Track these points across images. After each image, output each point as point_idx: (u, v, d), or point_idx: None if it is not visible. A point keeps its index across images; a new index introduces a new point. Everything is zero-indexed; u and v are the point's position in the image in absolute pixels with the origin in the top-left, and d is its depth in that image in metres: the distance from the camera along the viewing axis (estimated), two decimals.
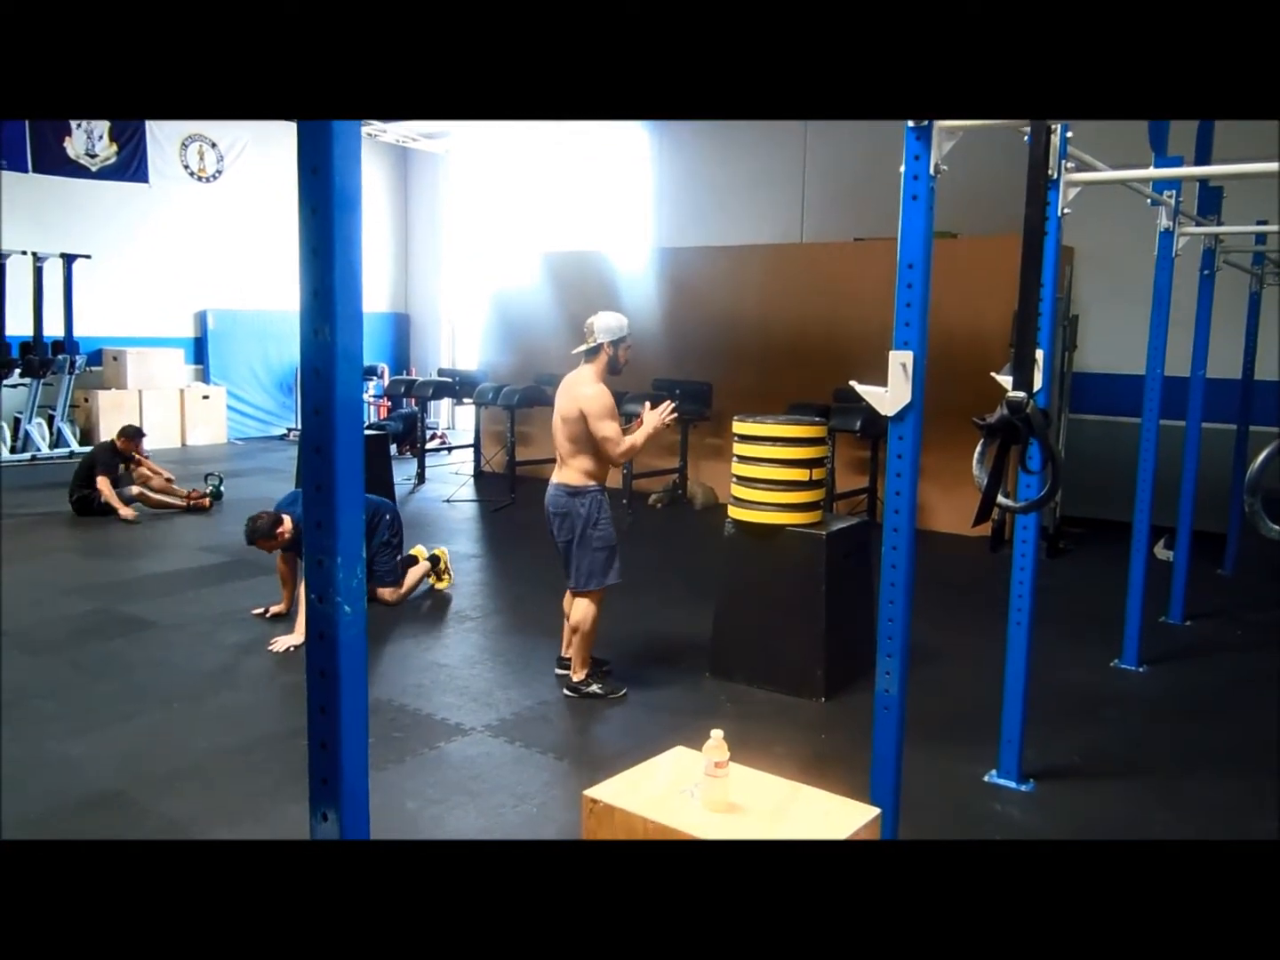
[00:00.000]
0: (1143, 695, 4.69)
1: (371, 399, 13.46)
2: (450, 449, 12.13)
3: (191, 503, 8.20)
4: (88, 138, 11.45)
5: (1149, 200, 4.66)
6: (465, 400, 10.58)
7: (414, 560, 5.98)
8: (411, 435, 11.28)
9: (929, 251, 2.64)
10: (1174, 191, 4.71)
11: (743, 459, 4.58)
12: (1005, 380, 2.61)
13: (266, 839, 3.14)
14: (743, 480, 4.58)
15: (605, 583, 4.36)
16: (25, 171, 10.94)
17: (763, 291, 9.12)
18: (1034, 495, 3.21)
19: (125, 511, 7.69)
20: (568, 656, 4.53)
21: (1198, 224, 5.30)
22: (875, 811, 2.34)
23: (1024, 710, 3.64)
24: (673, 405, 4.41)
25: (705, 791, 2.29)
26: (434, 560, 6.07)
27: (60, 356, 10.59)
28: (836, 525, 4.62)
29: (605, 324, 4.31)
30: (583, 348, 4.33)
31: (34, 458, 10.36)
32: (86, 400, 11.29)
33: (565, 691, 4.46)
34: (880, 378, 2.70)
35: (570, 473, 4.33)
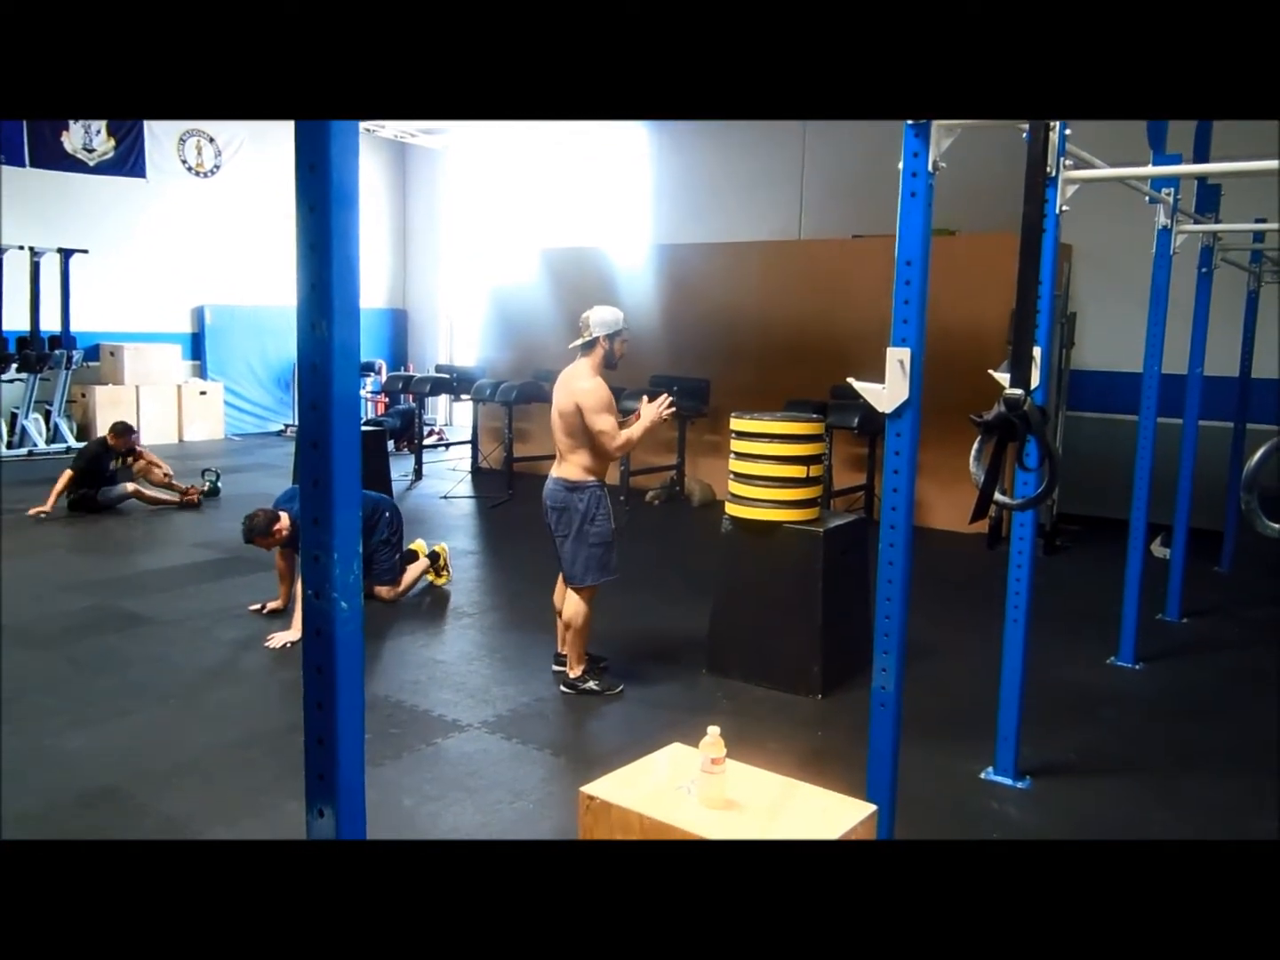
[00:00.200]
0: (1139, 693, 4.69)
1: (369, 395, 13.45)
2: (448, 445, 12.13)
3: (184, 499, 8.20)
4: (85, 133, 11.43)
5: (1147, 198, 4.66)
6: (463, 396, 10.58)
7: (414, 556, 5.97)
8: (409, 431, 11.27)
9: (927, 249, 2.64)
10: (1172, 189, 4.71)
11: (740, 456, 4.58)
12: (1003, 377, 2.61)
13: (263, 835, 3.14)
14: (740, 477, 4.58)
15: (601, 579, 4.36)
16: (23, 166, 10.91)
17: (761, 288, 9.12)
18: (1031, 492, 3.21)
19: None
20: (564, 653, 4.53)
21: (1196, 222, 5.30)
22: (871, 808, 2.34)
23: (1020, 707, 3.64)
24: (670, 399, 4.40)
25: (702, 788, 2.29)
26: (434, 557, 6.06)
27: (57, 352, 10.58)
28: (834, 522, 4.62)
29: (601, 318, 4.31)
30: (578, 342, 4.33)
31: (31, 453, 10.35)
32: (83, 395, 11.28)
33: (562, 688, 4.46)
34: (878, 375, 2.70)
35: (569, 468, 4.33)
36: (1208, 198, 5.63)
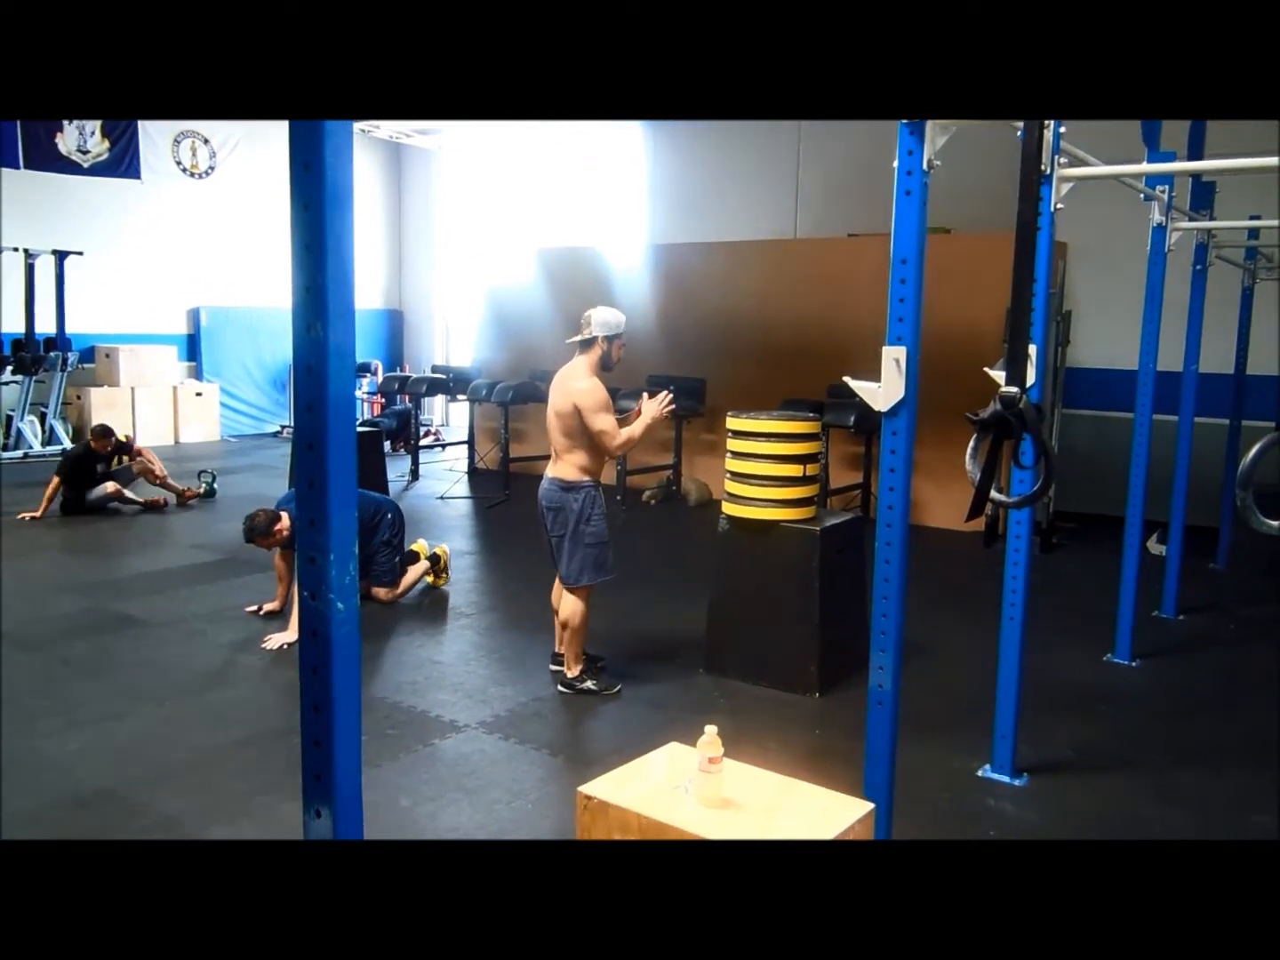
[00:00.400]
0: (1136, 690, 4.70)
1: (365, 396, 13.44)
2: (444, 446, 12.12)
3: (178, 499, 8.19)
4: (80, 134, 11.41)
5: (1142, 195, 4.67)
6: (459, 397, 10.57)
7: (414, 558, 5.95)
8: (405, 432, 11.26)
9: (922, 247, 2.64)
10: (1167, 187, 4.72)
11: (737, 455, 4.58)
12: (998, 375, 2.61)
13: (261, 836, 3.14)
14: (737, 476, 4.58)
15: (597, 579, 4.36)
16: (17, 167, 10.90)
17: (757, 287, 9.12)
18: (1027, 490, 3.21)
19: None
20: (561, 653, 4.53)
21: (1190, 219, 5.31)
22: (869, 806, 2.35)
23: (1017, 705, 3.65)
24: (670, 396, 4.40)
25: (699, 787, 2.29)
26: (434, 559, 6.05)
27: (53, 353, 10.56)
28: (830, 521, 4.62)
29: (603, 318, 4.30)
30: (577, 338, 4.32)
31: (26, 455, 10.33)
32: (79, 397, 11.26)
33: (559, 688, 4.45)
34: (874, 373, 2.70)
35: (564, 467, 4.33)
36: (1202, 195, 5.63)
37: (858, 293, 8.00)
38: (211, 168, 12.72)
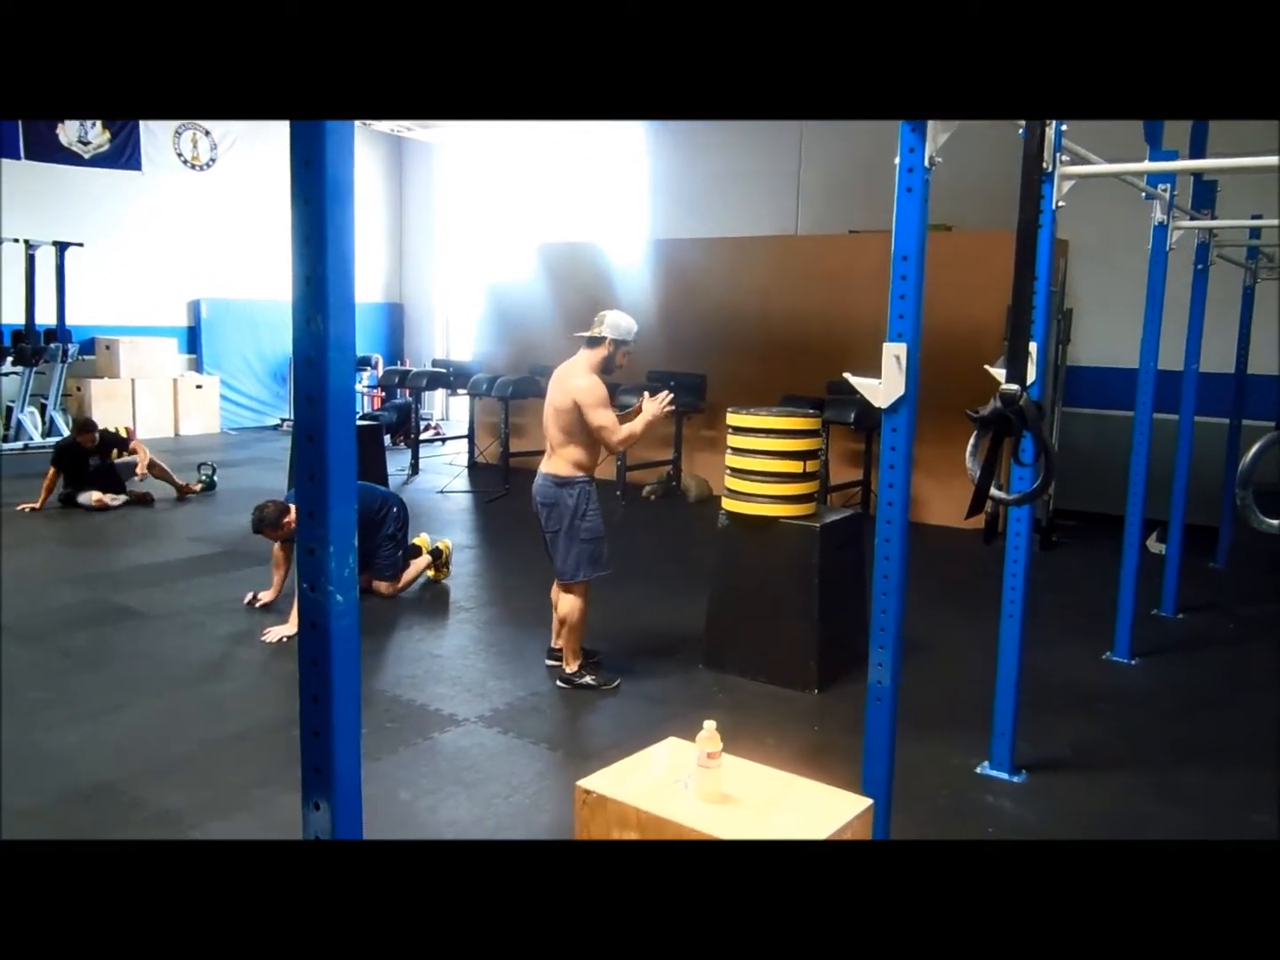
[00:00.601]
0: (1135, 688, 4.70)
1: (365, 389, 13.44)
2: (444, 440, 12.11)
3: (178, 494, 8.19)
4: (81, 125, 11.39)
5: (1143, 194, 4.67)
6: (459, 391, 10.58)
7: (417, 552, 5.95)
8: (405, 426, 11.25)
9: (923, 244, 2.63)
10: (1168, 185, 4.72)
11: (737, 451, 4.58)
12: (999, 373, 2.62)
13: (260, 828, 3.14)
14: (737, 472, 4.58)
15: (593, 575, 4.36)
16: (18, 158, 10.88)
17: (758, 283, 9.11)
18: (1027, 488, 3.21)
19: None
20: (558, 648, 4.53)
21: (1192, 218, 5.31)
22: (867, 803, 2.35)
23: (1016, 702, 3.65)
24: (671, 395, 4.40)
25: (698, 782, 2.30)
26: (436, 553, 6.05)
27: (53, 345, 10.55)
28: (830, 517, 4.63)
29: (615, 322, 4.30)
30: (586, 334, 4.32)
31: (26, 446, 10.33)
32: (79, 389, 11.24)
33: (558, 683, 4.46)
34: (875, 370, 2.69)
35: (559, 463, 4.33)
36: (1204, 194, 5.63)
37: (858, 290, 8.00)
38: (212, 160, 12.71)
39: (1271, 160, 2.94)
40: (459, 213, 14.53)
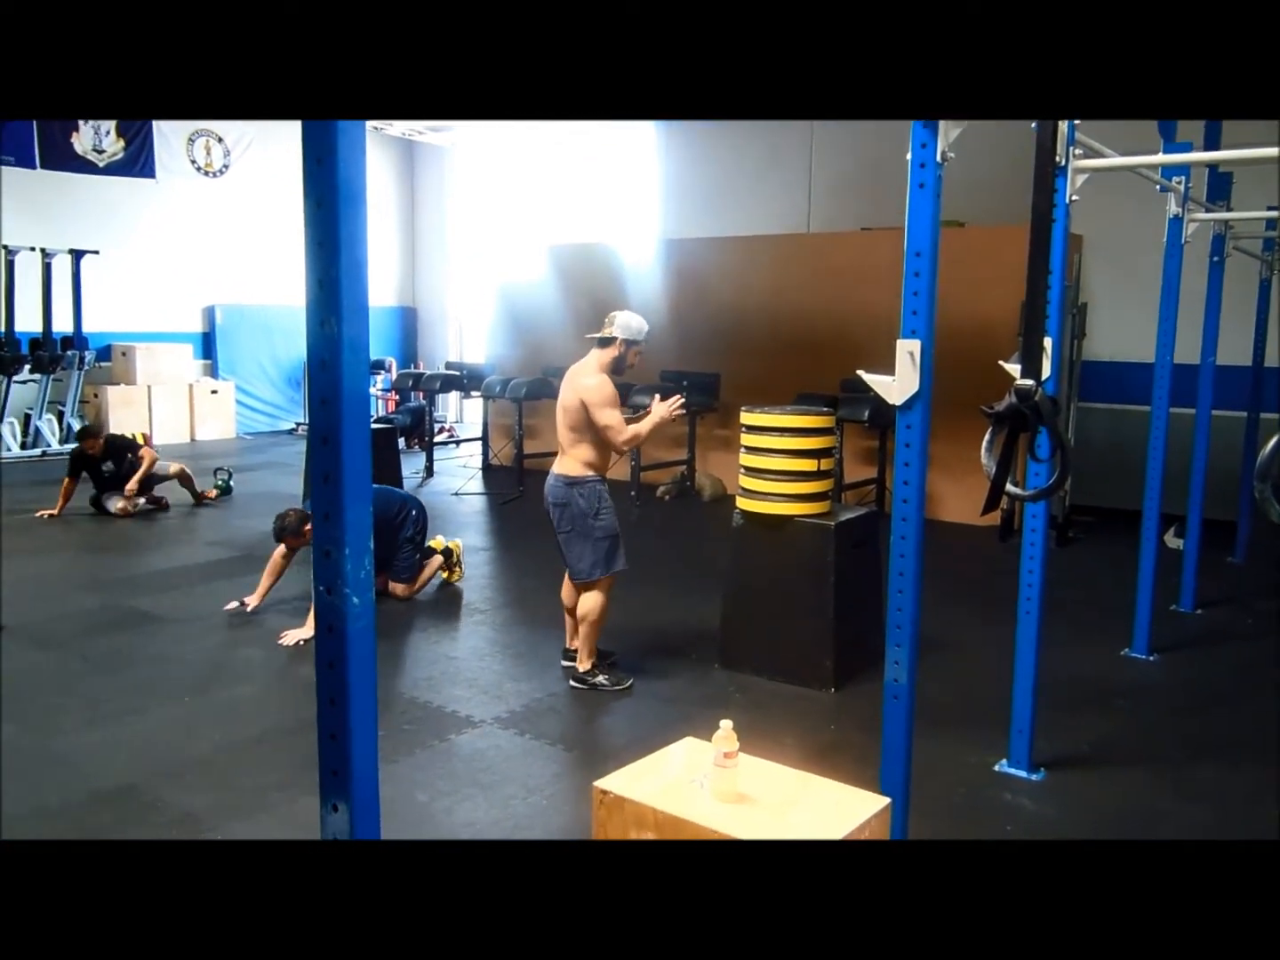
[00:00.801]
0: (1153, 684, 4.67)
1: (379, 393, 13.48)
2: (458, 442, 12.14)
3: (195, 499, 8.23)
4: (95, 134, 11.47)
5: (1158, 186, 4.64)
6: (473, 393, 10.60)
7: (430, 553, 5.98)
8: (419, 429, 11.29)
9: (936, 240, 2.62)
10: (1183, 177, 4.68)
11: (751, 450, 4.57)
12: (1014, 368, 2.60)
13: (279, 830, 3.16)
14: (751, 471, 4.58)
15: (610, 571, 4.36)
16: (33, 168, 10.97)
17: (770, 282, 9.10)
18: (1043, 484, 3.20)
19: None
20: (573, 648, 4.54)
21: (1207, 210, 5.27)
22: (885, 801, 2.34)
23: (1034, 699, 3.63)
24: (681, 399, 4.41)
25: (715, 782, 2.29)
26: (446, 554, 6.06)
27: (69, 352, 10.63)
28: (845, 515, 4.61)
29: (626, 322, 4.31)
30: (597, 335, 4.33)
31: (44, 453, 10.40)
32: (96, 396, 11.33)
33: (571, 683, 4.46)
34: (888, 367, 2.69)
35: (570, 463, 4.33)
36: (1219, 186, 5.59)
37: (871, 287, 7.98)
38: (226, 166, 12.77)
39: None
40: (471, 216, 14.56)
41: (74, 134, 11.28)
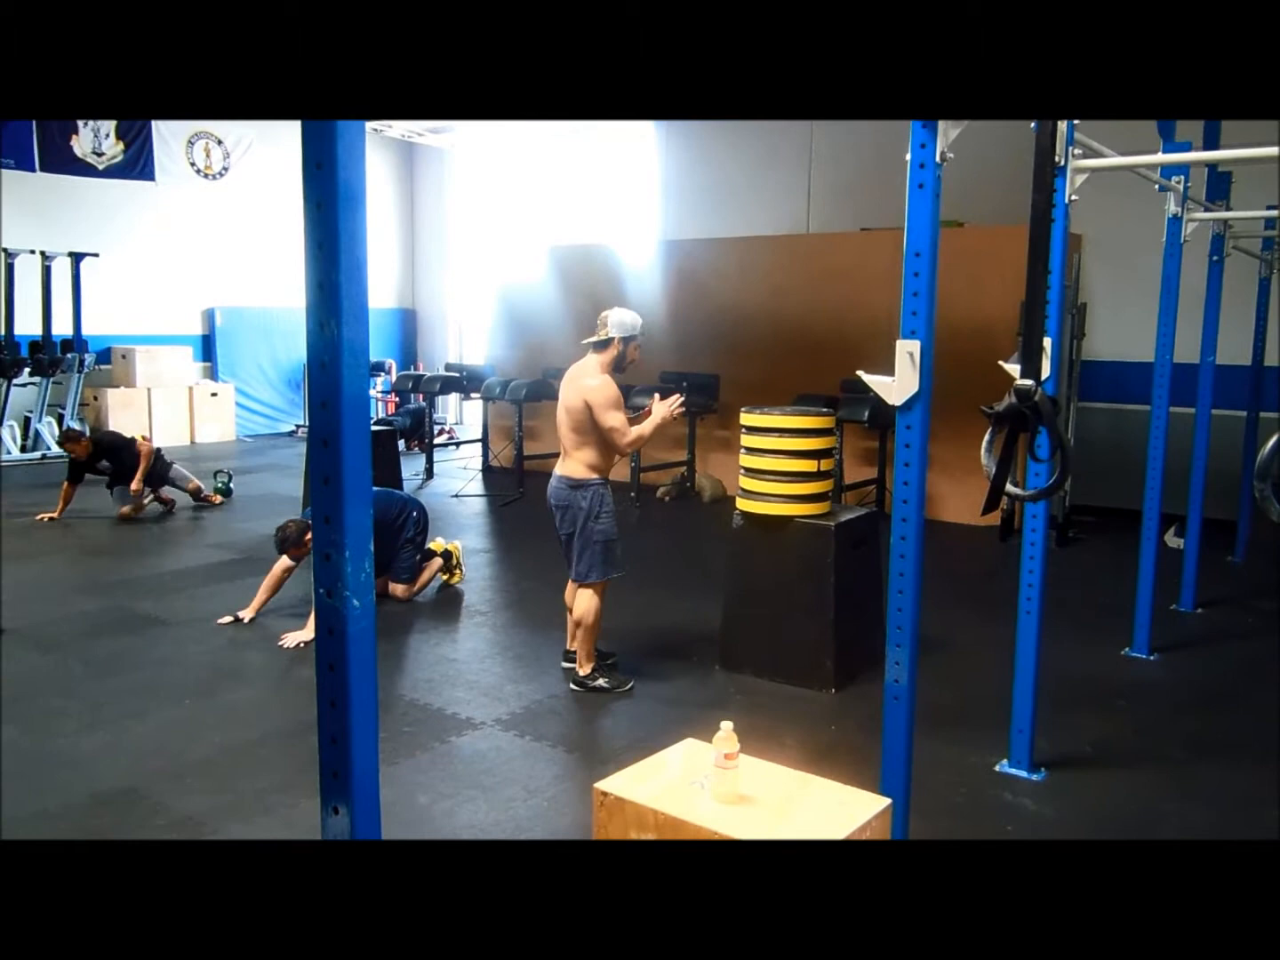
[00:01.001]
0: (1154, 683, 4.67)
1: (379, 395, 13.48)
2: (458, 444, 12.14)
3: (194, 500, 8.23)
4: (94, 136, 11.47)
5: (1157, 186, 4.64)
6: (473, 395, 10.59)
7: (430, 554, 5.98)
8: (419, 430, 11.29)
9: (936, 240, 2.62)
10: (1182, 177, 4.68)
11: (751, 450, 4.57)
12: (1013, 369, 2.60)
13: (279, 833, 3.15)
14: (751, 472, 4.58)
15: (606, 576, 4.36)
16: (32, 170, 10.97)
17: (770, 283, 9.10)
18: (1043, 483, 3.20)
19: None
20: (573, 650, 4.54)
21: (1206, 209, 5.27)
22: (886, 802, 2.34)
23: (1035, 699, 3.63)
24: (681, 399, 4.40)
25: (716, 783, 2.29)
26: (446, 556, 6.07)
27: (69, 355, 10.63)
28: (845, 516, 4.61)
29: (619, 319, 4.31)
30: (593, 339, 4.33)
31: (44, 456, 10.41)
32: (96, 398, 11.33)
33: (571, 686, 4.46)
34: (888, 367, 2.69)
35: (573, 465, 4.33)
36: (1218, 185, 5.59)
37: (871, 287, 7.99)
38: (225, 168, 12.77)
39: None
40: (470, 217, 14.56)
41: (73, 137, 11.28)
